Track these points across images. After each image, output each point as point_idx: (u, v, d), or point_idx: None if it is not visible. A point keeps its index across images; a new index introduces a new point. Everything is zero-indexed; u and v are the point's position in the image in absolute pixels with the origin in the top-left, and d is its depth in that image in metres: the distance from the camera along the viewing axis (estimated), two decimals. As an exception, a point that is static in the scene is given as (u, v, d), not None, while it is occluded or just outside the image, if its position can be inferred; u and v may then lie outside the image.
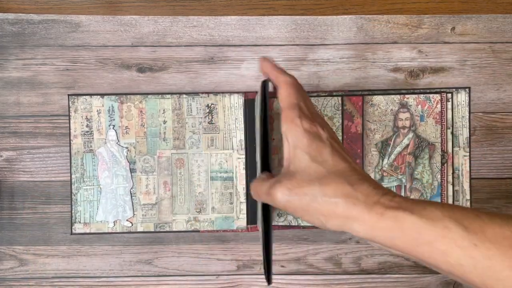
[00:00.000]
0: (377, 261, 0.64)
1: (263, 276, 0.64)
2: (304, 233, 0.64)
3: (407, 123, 0.61)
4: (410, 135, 0.61)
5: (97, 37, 0.63)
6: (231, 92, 0.63)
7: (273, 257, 0.64)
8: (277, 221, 0.63)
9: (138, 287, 0.64)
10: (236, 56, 0.63)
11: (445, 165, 0.62)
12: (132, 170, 0.63)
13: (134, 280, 0.64)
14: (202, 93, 0.63)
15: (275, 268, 0.64)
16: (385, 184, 0.61)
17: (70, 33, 0.63)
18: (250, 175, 0.62)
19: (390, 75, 0.63)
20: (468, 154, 0.62)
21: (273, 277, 0.64)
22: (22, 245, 0.63)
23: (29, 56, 0.63)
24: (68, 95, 0.62)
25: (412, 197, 0.61)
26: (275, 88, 0.44)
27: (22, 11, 0.64)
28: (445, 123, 0.61)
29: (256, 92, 0.62)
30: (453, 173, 0.62)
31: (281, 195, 0.36)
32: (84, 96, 0.62)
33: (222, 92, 0.63)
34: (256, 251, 0.64)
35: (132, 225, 0.63)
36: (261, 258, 0.64)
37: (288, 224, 0.62)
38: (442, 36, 0.63)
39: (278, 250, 0.64)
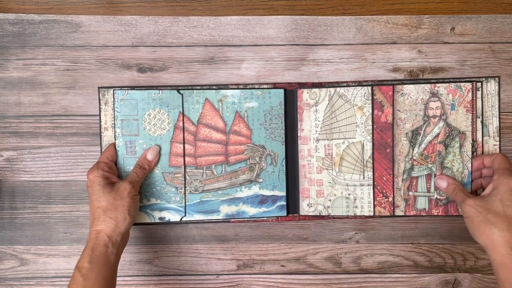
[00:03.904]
0: (377, 260, 0.64)
1: (263, 276, 0.64)
2: (304, 232, 0.64)
3: (438, 112, 0.61)
4: (441, 124, 0.61)
5: (98, 37, 0.63)
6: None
7: (274, 257, 0.64)
8: (307, 211, 0.63)
9: (138, 286, 0.64)
10: (236, 56, 0.64)
11: (475, 154, 0.62)
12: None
13: (134, 280, 0.64)
14: (202, 93, 0.64)
15: (275, 268, 0.64)
16: (415, 173, 0.62)
17: (70, 33, 0.63)
18: (288, 163, 0.63)
19: (390, 75, 0.64)
20: (498, 143, 0.62)
21: (273, 276, 0.64)
22: (23, 244, 0.64)
23: (30, 56, 0.63)
24: (99, 87, 0.62)
25: None
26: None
27: (22, 11, 0.64)
28: (475, 112, 0.61)
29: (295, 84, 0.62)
30: (484, 161, 0.62)
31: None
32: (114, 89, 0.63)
33: (222, 92, 0.63)
34: (256, 250, 0.64)
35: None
36: (261, 258, 0.64)
37: (318, 214, 0.63)
38: (441, 36, 0.64)
39: (278, 250, 0.64)
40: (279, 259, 0.64)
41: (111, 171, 0.59)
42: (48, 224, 0.63)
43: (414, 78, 0.63)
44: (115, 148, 0.61)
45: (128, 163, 0.61)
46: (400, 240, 0.64)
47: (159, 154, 0.61)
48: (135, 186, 0.57)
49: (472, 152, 0.61)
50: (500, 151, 0.62)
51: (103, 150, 0.61)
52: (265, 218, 0.63)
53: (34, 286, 0.64)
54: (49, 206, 0.63)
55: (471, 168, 0.61)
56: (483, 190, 0.58)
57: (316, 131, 0.62)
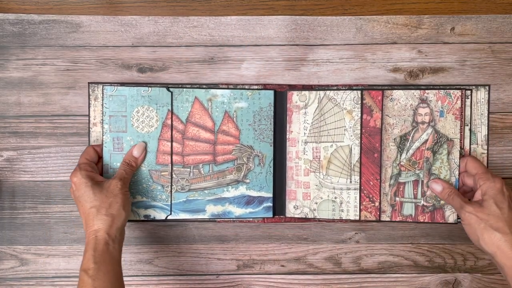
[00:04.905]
0: (377, 260, 0.64)
1: (263, 276, 0.64)
2: (304, 232, 0.64)
3: (427, 118, 0.61)
4: (429, 130, 0.61)
5: (98, 37, 0.63)
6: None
7: (274, 257, 0.64)
8: (293, 213, 0.63)
9: (138, 286, 0.64)
10: (236, 56, 0.64)
11: None
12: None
13: (134, 280, 0.64)
14: (202, 93, 0.64)
15: (275, 268, 0.64)
16: (402, 179, 0.62)
17: (70, 33, 0.63)
18: (275, 165, 0.63)
19: (390, 75, 0.64)
20: (486, 151, 0.62)
21: (273, 276, 0.64)
22: (23, 244, 0.64)
23: (30, 56, 0.63)
24: (89, 83, 0.62)
25: (428, 192, 0.62)
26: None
27: (22, 12, 0.64)
28: (463, 120, 0.61)
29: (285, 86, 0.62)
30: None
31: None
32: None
33: (222, 92, 0.63)
34: (256, 250, 0.64)
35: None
36: (261, 258, 0.64)
37: (304, 216, 0.63)
38: (441, 36, 0.64)
39: (278, 250, 0.64)
40: (279, 259, 0.64)
41: (94, 171, 0.58)
42: (48, 224, 0.63)
43: (414, 78, 0.63)
44: (94, 149, 0.60)
45: (115, 160, 0.61)
46: (400, 240, 0.64)
47: (145, 150, 0.61)
48: (125, 182, 0.58)
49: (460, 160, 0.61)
50: (487, 159, 0.62)
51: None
52: (251, 219, 0.63)
53: (34, 286, 0.64)
54: (49, 206, 0.63)
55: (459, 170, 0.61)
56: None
57: (304, 133, 0.62)
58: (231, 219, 0.63)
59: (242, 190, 0.63)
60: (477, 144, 0.62)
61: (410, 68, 0.63)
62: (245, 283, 0.65)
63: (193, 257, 0.64)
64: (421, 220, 0.62)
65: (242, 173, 0.62)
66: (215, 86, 0.63)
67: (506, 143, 0.64)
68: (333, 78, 0.63)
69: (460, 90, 0.61)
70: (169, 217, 0.62)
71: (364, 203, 0.62)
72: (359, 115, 0.62)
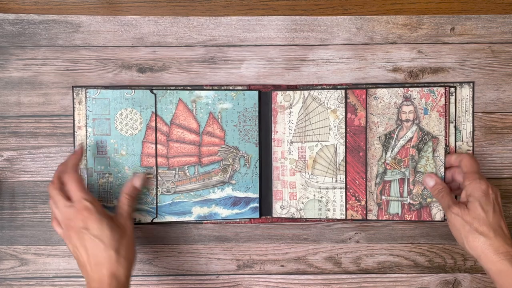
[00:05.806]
0: (377, 260, 0.64)
1: (263, 276, 0.64)
2: (304, 232, 0.64)
3: (411, 116, 0.61)
4: (414, 128, 0.61)
5: (98, 37, 0.63)
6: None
7: (274, 257, 0.64)
8: (280, 213, 0.63)
9: (138, 286, 0.64)
10: (236, 56, 0.64)
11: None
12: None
13: (134, 280, 0.64)
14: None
15: (275, 268, 0.64)
16: (388, 177, 0.62)
17: (70, 33, 0.63)
18: (261, 165, 0.63)
19: (390, 75, 0.64)
20: (471, 148, 0.62)
21: (273, 276, 0.64)
22: (23, 244, 0.64)
23: (30, 56, 0.63)
24: (73, 86, 0.62)
25: (414, 190, 0.62)
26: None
27: (22, 12, 0.64)
28: (448, 117, 0.61)
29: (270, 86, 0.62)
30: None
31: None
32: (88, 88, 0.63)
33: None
34: (256, 250, 0.64)
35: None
36: (261, 258, 0.64)
37: (291, 216, 0.63)
38: (441, 36, 0.64)
39: (278, 250, 0.64)
40: (279, 259, 0.65)
41: (97, 202, 0.54)
42: (48, 224, 0.63)
43: (414, 78, 0.63)
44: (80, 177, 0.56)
45: (99, 163, 0.61)
46: (400, 240, 0.64)
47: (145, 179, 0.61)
48: (132, 218, 0.58)
49: (445, 157, 0.61)
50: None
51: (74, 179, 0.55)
52: (237, 220, 0.63)
53: (34, 286, 0.64)
54: (49, 206, 0.63)
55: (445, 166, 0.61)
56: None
57: (289, 133, 0.62)
58: (218, 221, 0.63)
59: (228, 191, 0.62)
60: (462, 141, 0.62)
61: (410, 68, 0.64)
62: (245, 283, 0.65)
63: (193, 257, 0.64)
64: (408, 219, 0.62)
65: (228, 174, 0.62)
66: (200, 87, 0.63)
67: (506, 143, 0.64)
68: (333, 78, 0.63)
69: (444, 88, 0.61)
70: (154, 220, 0.62)
71: (350, 202, 0.62)
72: (344, 114, 0.62)
